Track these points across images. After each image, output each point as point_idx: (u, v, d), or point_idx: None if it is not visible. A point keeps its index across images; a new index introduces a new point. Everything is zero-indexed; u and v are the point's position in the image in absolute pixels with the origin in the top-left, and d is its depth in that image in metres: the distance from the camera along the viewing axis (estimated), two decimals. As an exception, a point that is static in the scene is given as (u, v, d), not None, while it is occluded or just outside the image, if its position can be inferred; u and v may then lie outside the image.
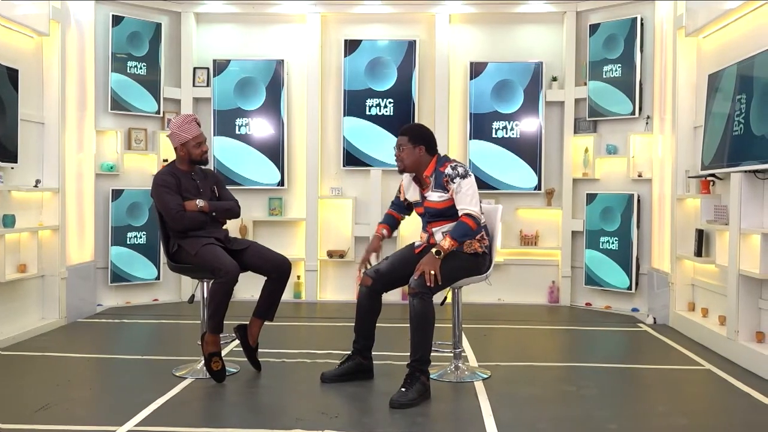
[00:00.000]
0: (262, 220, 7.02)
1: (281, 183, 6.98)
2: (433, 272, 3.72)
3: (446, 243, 3.79)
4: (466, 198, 3.85)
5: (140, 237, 6.67)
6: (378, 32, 7.03)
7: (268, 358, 4.48)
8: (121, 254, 6.57)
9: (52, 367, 4.42)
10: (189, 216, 4.10)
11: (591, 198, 6.70)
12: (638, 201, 6.41)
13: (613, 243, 6.53)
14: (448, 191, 3.91)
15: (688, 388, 4.18)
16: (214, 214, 4.20)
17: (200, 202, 4.15)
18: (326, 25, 7.04)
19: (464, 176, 3.89)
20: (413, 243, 4.19)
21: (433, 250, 3.79)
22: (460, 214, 3.86)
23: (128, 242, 6.60)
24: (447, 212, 3.94)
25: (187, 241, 4.09)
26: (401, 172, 4.10)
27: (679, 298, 5.74)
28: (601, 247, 6.61)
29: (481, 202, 4.03)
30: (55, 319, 5.55)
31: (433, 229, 4.01)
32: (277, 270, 4.19)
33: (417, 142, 3.99)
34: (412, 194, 4.14)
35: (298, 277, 6.94)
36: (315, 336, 5.47)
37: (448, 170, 3.91)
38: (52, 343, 5.00)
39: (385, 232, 4.23)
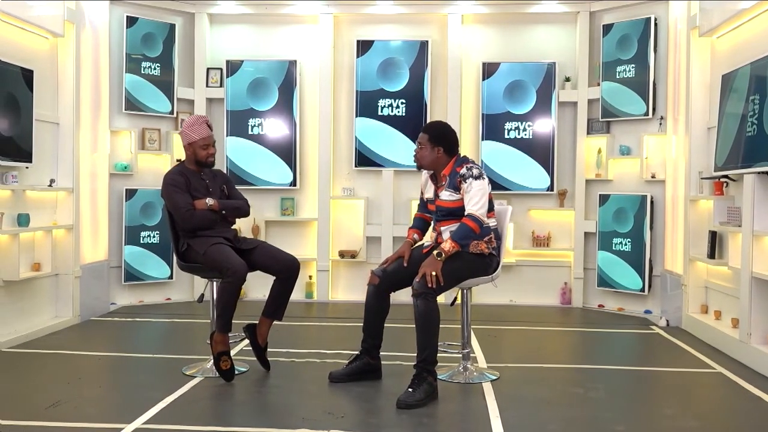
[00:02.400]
0: (275, 220, 7.05)
1: (293, 183, 7.00)
2: (434, 273, 3.72)
3: (447, 245, 3.80)
4: (474, 199, 3.85)
5: (153, 236, 6.72)
6: (390, 33, 7.03)
7: (278, 358, 4.50)
8: (135, 253, 6.62)
9: (64, 364, 4.46)
10: (198, 215, 4.12)
11: (604, 199, 6.65)
12: (651, 202, 6.37)
13: (626, 244, 6.49)
14: (460, 191, 3.92)
15: (700, 391, 4.14)
16: (224, 212, 4.22)
17: (210, 201, 4.18)
18: (338, 26, 7.06)
19: (477, 177, 3.89)
20: (422, 243, 4.20)
21: (435, 251, 3.80)
22: (464, 214, 3.87)
23: (141, 241, 6.65)
24: (457, 212, 3.94)
25: (196, 240, 4.11)
26: (419, 168, 4.13)
27: (692, 300, 5.69)
28: (613, 248, 6.57)
29: (493, 206, 4.05)
30: (69, 317, 5.61)
31: (442, 228, 4.02)
32: (286, 270, 4.21)
33: (437, 142, 3.99)
34: (428, 191, 4.17)
35: (310, 277, 6.95)
36: (325, 336, 5.48)
37: (463, 170, 3.92)
38: (64, 341, 5.05)
39: (416, 236, 4.23)
